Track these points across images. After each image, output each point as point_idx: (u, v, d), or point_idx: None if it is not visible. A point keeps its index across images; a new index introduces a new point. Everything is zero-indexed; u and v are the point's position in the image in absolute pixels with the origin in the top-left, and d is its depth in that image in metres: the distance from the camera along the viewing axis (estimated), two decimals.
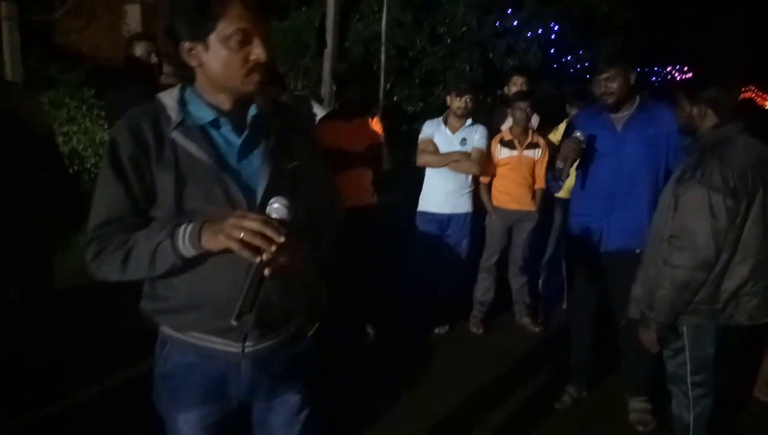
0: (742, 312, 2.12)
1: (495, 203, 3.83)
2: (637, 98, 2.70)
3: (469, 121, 3.64)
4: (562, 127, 4.16)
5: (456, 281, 3.84)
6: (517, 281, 3.96)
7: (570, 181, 4.03)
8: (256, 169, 1.25)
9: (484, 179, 3.83)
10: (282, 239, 1.09)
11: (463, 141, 3.61)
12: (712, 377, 2.18)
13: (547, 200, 3.96)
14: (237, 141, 1.25)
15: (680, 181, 2.10)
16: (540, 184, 3.84)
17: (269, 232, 1.09)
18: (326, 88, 8.32)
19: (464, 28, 8.73)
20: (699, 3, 19.29)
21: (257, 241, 1.09)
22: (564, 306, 4.29)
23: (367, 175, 3.52)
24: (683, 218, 2.05)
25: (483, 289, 3.89)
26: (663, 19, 15.87)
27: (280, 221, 1.13)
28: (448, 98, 3.67)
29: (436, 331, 3.80)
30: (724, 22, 22.18)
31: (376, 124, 3.57)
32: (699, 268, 2.02)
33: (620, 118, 2.69)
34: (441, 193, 3.66)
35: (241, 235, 1.09)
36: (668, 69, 16.66)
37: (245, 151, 1.25)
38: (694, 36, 20.65)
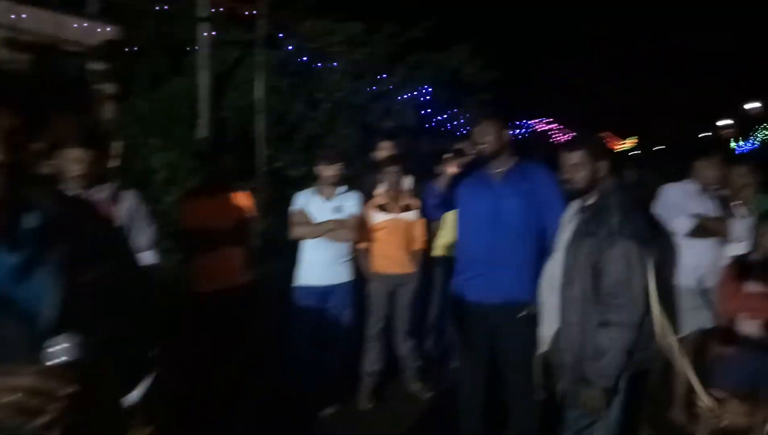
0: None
1: (375, 269, 3.76)
2: (516, 158, 2.83)
3: (343, 188, 3.59)
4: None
5: (342, 355, 3.66)
6: (404, 347, 3.86)
7: (446, 238, 4.14)
8: (39, 292, 0.99)
9: (361, 245, 3.76)
10: (70, 389, 0.86)
11: (338, 209, 3.54)
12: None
13: (426, 260, 3.97)
14: (8, 260, 0.99)
15: (583, 237, 2.08)
16: (418, 244, 3.86)
17: (50, 386, 0.85)
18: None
19: (340, 93, 8.92)
20: (550, 62, 21.48)
21: (33, 402, 0.84)
22: (453, 364, 4.26)
23: (236, 254, 3.32)
24: (616, 275, 2.04)
25: (371, 360, 3.74)
26: (523, 77, 17.38)
27: (67, 365, 0.88)
28: (320, 167, 3.60)
29: (326, 412, 3.58)
30: (574, 76, 24.81)
31: (244, 199, 3.40)
32: (639, 322, 2.05)
33: (498, 173, 2.78)
34: (319, 265, 3.53)
35: (8, 399, 0.83)
36: (532, 121, 18.16)
37: (23, 271, 1.00)
38: (551, 91, 22.89)
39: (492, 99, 12.16)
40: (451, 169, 2.74)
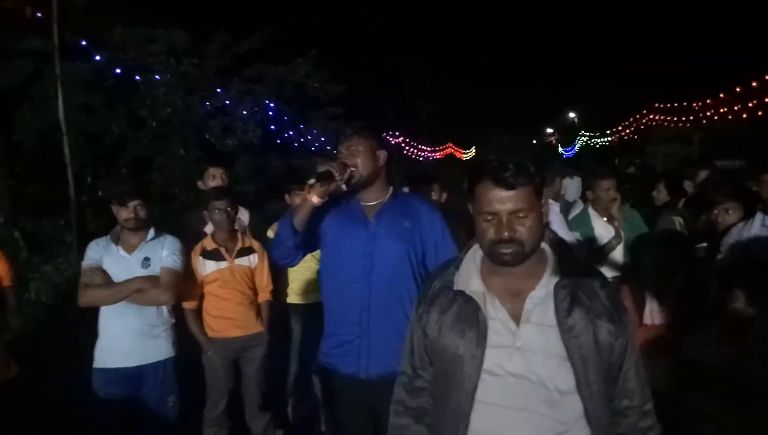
0: None
1: (210, 334, 2.98)
2: (390, 188, 2.22)
3: (151, 233, 2.75)
4: None
5: None
6: (258, 422, 3.11)
7: (301, 281, 3.48)
8: None
9: (188, 305, 2.95)
10: None
11: (146, 261, 2.70)
12: None
13: (277, 312, 3.27)
14: None
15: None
16: (264, 296, 3.14)
17: None
18: None
19: (169, 110, 7.83)
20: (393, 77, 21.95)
21: None
22: (323, 428, 3.60)
23: None
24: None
25: None
26: (368, 91, 17.38)
27: None
28: (113, 209, 2.71)
29: None
30: (418, 90, 25.68)
31: None
32: None
33: (372, 206, 2.16)
34: (124, 340, 2.64)
35: None
36: (382, 135, 18.23)
37: None
38: (397, 105, 23.40)
39: (341, 113, 11.85)
40: (314, 198, 1.99)
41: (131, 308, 2.64)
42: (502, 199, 1.31)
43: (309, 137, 13.07)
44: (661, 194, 4.19)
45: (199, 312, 2.99)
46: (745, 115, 12.60)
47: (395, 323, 2.04)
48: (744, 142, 12.90)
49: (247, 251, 3.06)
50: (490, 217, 1.32)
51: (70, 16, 6.61)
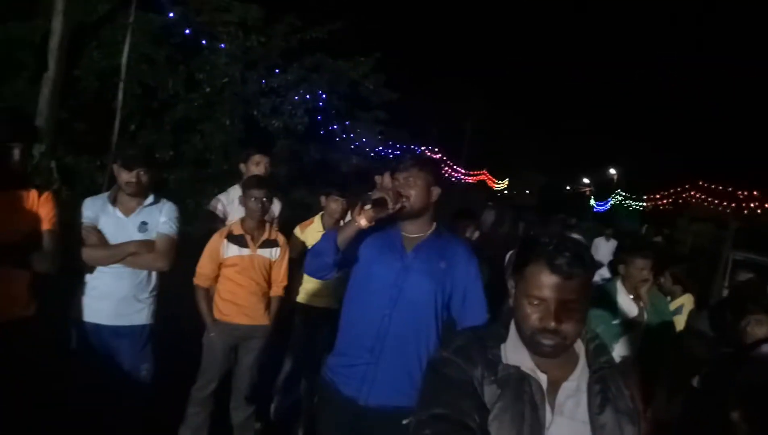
0: None
1: (217, 316, 2.98)
2: (434, 224, 2.20)
3: (150, 198, 2.75)
4: (317, 222, 3.57)
5: (135, 415, 2.76)
6: (240, 413, 3.11)
7: (313, 284, 3.47)
8: None
9: (201, 282, 2.97)
10: None
11: (143, 225, 2.70)
12: None
13: (284, 309, 3.26)
14: None
15: None
16: (277, 291, 3.14)
17: None
18: (42, 120, 6.61)
19: (225, 79, 7.92)
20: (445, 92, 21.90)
21: None
22: (300, 432, 3.58)
23: (19, 278, 2.37)
24: None
25: (193, 428, 2.95)
26: (419, 102, 17.37)
27: None
28: (115, 169, 2.72)
29: None
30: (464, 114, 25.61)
31: (43, 203, 2.43)
32: None
33: (412, 239, 2.14)
34: (111, 299, 2.66)
35: None
36: (421, 148, 18.20)
37: None
38: (441, 121, 23.37)
39: (387, 119, 11.85)
40: (363, 221, 1.97)
41: (125, 270, 2.65)
42: (555, 287, 1.23)
43: (351, 135, 13.12)
44: (667, 282, 4.09)
45: (207, 292, 3.00)
46: None
47: (407, 359, 2.03)
48: None
49: (271, 243, 3.06)
50: (537, 302, 1.25)
51: None
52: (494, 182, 34.52)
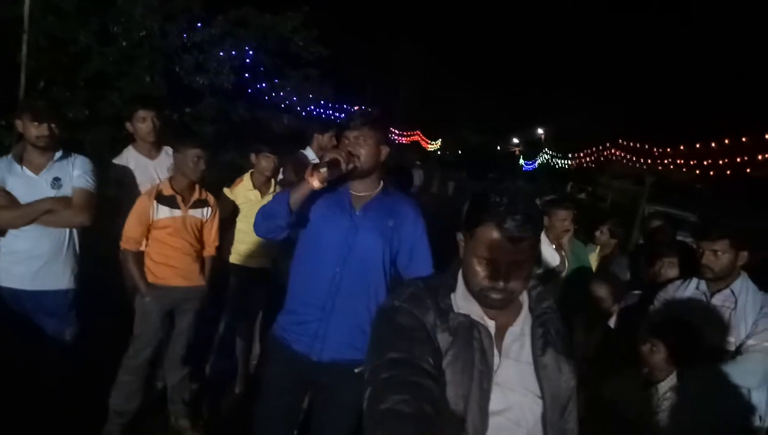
0: None
1: (151, 279, 2.90)
2: (381, 183, 2.21)
3: (59, 153, 2.62)
4: (246, 180, 3.49)
5: (58, 383, 2.69)
6: (174, 375, 3.08)
7: (246, 244, 3.42)
8: None
9: (130, 246, 2.86)
10: None
11: (56, 181, 2.58)
12: None
13: (218, 270, 3.21)
14: None
15: None
16: (210, 251, 3.08)
17: None
18: None
19: (143, 33, 7.44)
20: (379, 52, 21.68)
21: None
22: (237, 390, 3.60)
23: None
24: None
25: (126, 395, 2.88)
26: (351, 59, 17.09)
27: None
28: (20, 125, 2.57)
29: None
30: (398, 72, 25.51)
31: None
32: None
33: (361, 197, 2.15)
34: (30, 263, 2.54)
35: None
36: (355, 108, 18.01)
37: None
38: (375, 79, 23.18)
39: (317, 75, 11.59)
40: (316, 182, 1.97)
41: (41, 230, 2.54)
42: (504, 249, 1.25)
43: (281, 93, 12.78)
44: (603, 236, 4.33)
45: (140, 256, 2.90)
46: (698, 172, 13.21)
47: (358, 314, 2.09)
48: (690, 196, 13.56)
49: (202, 203, 2.99)
50: (486, 262, 1.27)
51: None
52: (427, 143, 34.85)
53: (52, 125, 2.52)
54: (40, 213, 2.51)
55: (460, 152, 28.80)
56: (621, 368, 2.61)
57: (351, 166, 2.04)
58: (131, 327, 2.91)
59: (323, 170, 1.95)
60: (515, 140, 42.48)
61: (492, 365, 1.30)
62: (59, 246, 2.59)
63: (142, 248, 2.92)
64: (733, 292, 2.60)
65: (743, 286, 2.61)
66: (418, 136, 33.59)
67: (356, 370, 2.01)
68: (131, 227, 2.85)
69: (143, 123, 3.25)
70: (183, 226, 2.91)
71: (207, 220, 3.01)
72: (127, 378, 2.88)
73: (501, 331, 1.35)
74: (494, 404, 1.28)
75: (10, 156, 2.56)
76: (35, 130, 2.49)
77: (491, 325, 1.34)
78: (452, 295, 1.37)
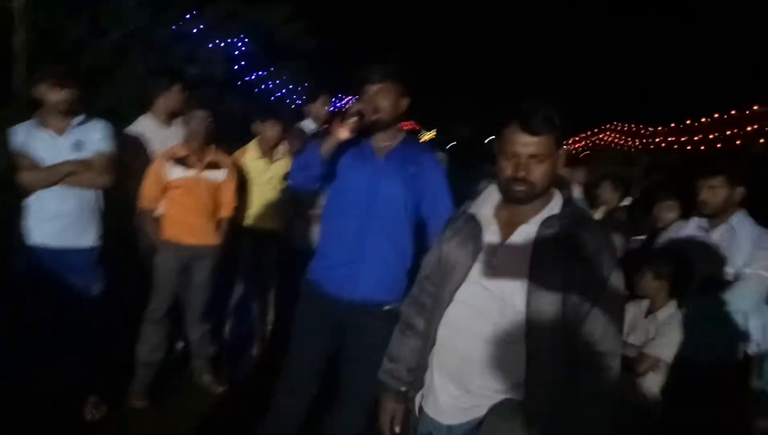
0: None
1: (166, 236, 2.99)
2: (403, 133, 2.32)
3: (80, 117, 2.71)
4: (252, 149, 3.57)
5: (89, 336, 2.78)
6: (195, 331, 3.17)
7: (259, 206, 3.51)
8: None
9: (147, 204, 2.95)
10: None
11: (78, 145, 2.67)
12: None
13: (233, 230, 3.29)
14: None
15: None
16: (225, 211, 3.17)
17: None
18: None
19: (133, 26, 7.49)
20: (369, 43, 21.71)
21: None
22: (254, 352, 3.69)
23: None
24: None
25: (150, 347, 2.98)
26: (341, 52, 17.11)
27: None
28: (42, 90, 2.63)
29: (86, 412, 2.76)
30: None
31: None
32: None
33: (382, 148, 2.26)
34: (56, 221, 2.65)
35: None
36: (347, 98, 18.08)
37: None
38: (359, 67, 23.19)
39: (307, 67, 11.64)
40: (344, 133, 2.08)
41: (66, 191, 2.64)
42: (524, 143, 1.46)
43: (270, 85, 12.83)
44: (606, 192, 4.33)
45: (156, 217, 3.00)
46: (689, 148, 13.41)
47: (384, 257, 2.20)
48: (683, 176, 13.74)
49: (216, 165, 3.08)
50: (510, 156, 1.48)
51: None
52: (421, 133, 34.81)
53: (74, 89, 2.60)
54: (63, 175, 2.60)
55: (455, 143, 28.87)
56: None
57: (375, 117, 2.15)
58: (149, 285, 3.00)
59: (351, 120, 2.07)
60: None
61: (481, 246, 1.54)
62: (84, 206, 2.69)
63: (160, 211, 3.00)
64: (732, 225, 2.69)
65: (742, 220, 2.71)
66: (412, 126, 33.51)
67: (385, 308, 2.12)
68: (148, 187, 2.95)
69: (181, 93, 3.33)
70: (197, 186, 3.00)
71: (222, 182, 3.10)
72: (150, 329, 2.98)
73: (513, 226, 1.53)
74: (475, 275, 1.53)
75: (30, 122, 2.65)
76: (57, 94, 2.57)
77: (493, 222, 1.56)
78: (473, 203, 1.65)
